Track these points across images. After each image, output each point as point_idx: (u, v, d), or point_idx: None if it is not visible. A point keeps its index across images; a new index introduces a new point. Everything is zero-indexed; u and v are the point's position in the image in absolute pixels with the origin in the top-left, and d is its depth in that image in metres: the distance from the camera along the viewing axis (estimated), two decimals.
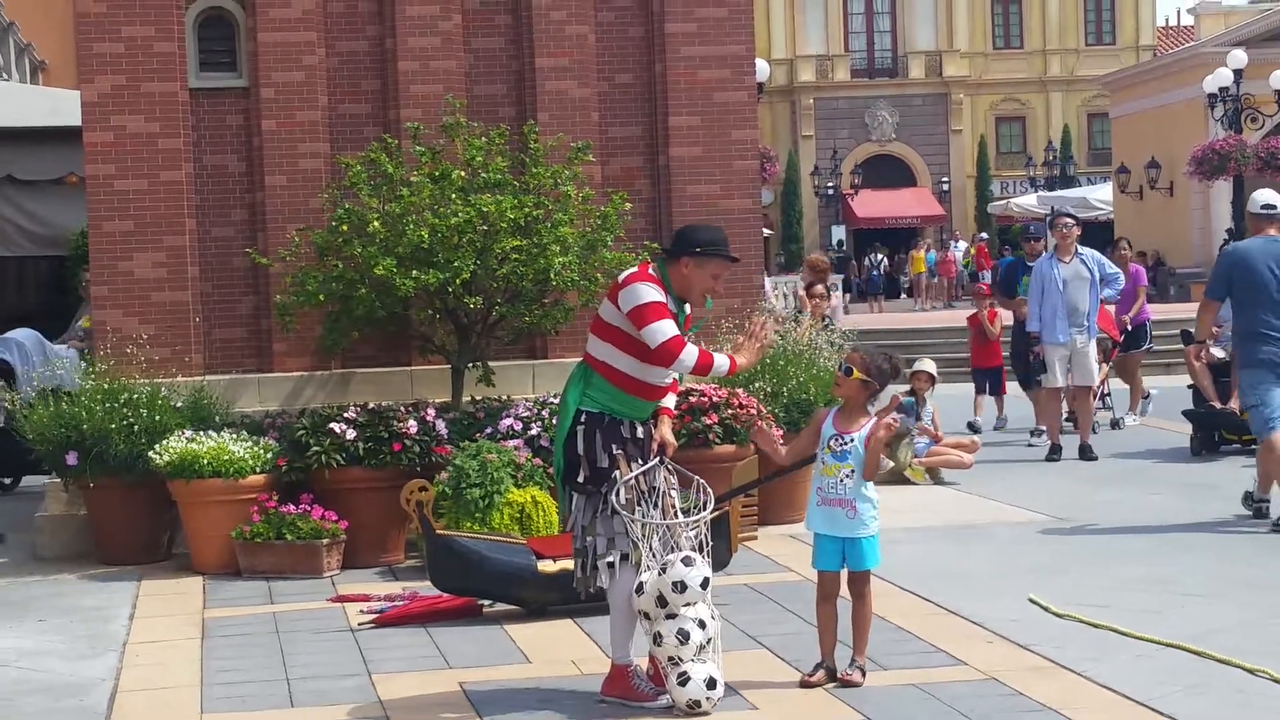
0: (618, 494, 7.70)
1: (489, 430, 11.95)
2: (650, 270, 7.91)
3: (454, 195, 12.09)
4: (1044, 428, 17.52)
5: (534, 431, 11.88)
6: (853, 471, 8.03)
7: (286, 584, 11.14)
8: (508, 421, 12.03)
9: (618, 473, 7.74)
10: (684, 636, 7.59)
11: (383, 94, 13.27)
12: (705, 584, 7.64)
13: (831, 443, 8.07)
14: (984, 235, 58.90)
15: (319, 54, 13.11)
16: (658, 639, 7.62)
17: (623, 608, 7.84)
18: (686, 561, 7.63)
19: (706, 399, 12.28)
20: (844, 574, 8.26)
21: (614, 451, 7.77)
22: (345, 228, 12.29)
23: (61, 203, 18.89)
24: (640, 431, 7.92)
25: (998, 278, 22.05)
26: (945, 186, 68.19)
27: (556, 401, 12.13)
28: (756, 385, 12.75)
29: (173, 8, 12.86)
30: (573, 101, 13.44)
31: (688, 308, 7.99)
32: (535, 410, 12.09)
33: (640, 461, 7.84)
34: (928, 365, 16.36)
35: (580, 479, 7.83)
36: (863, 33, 69.82)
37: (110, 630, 9.99)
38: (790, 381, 12.86)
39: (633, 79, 13.78)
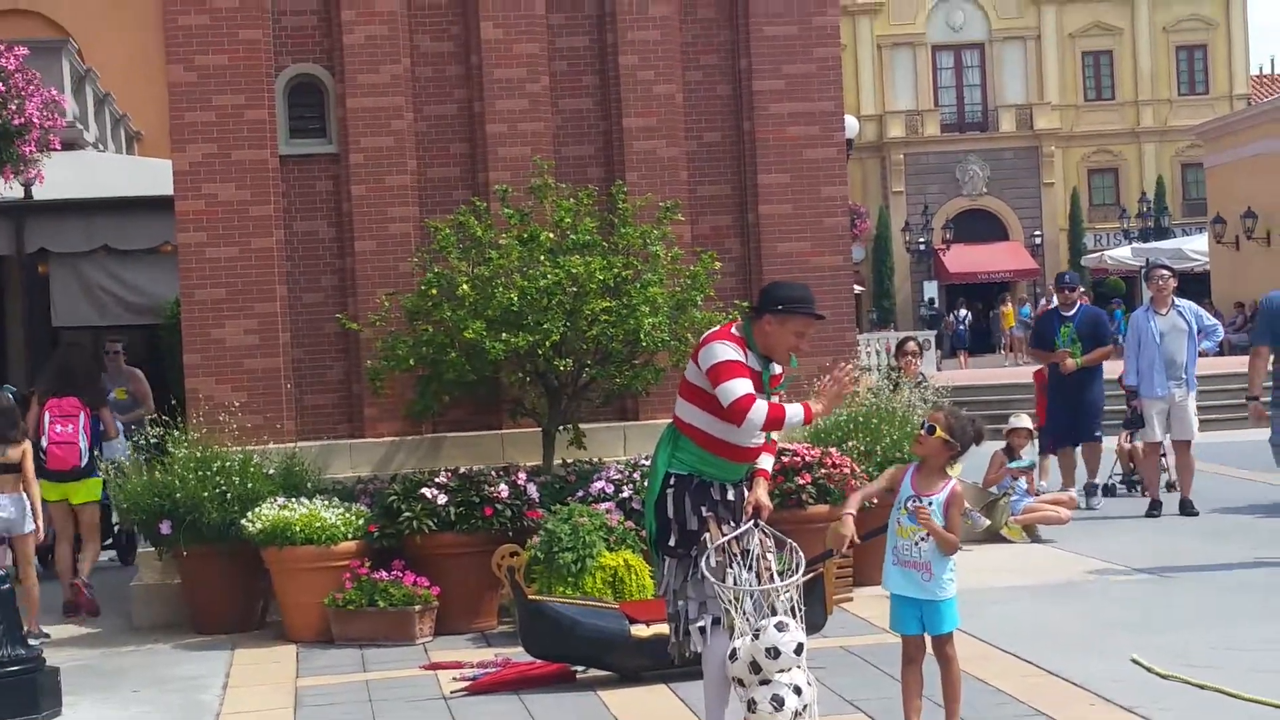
0: (707, 558, 7.59)
1: (580, 493, 11.87)
2: (734, 330, 7.81)
3: (543, 257, 12.06)
4: (1096, 482, 17.33)
5: (625, 494, 11.79)
6: (928, 534, 7.87)
7: (379, 651, 11.09)
8: (599, 484, 11.94)
9: (707, 536, 7.62)
10: (778, 703, 7.43)
11: (471, 157, 13.29)
12: (800, 649, 7.49)
13: (908, 504, 7.92)
14: (1080, 288, 58.30)
15: (407, 118, 13.15)
16: (752, 706, 7.48)
17: (716, 674, 7.71)
18: (780, 627, 7.48)
19: (799, 459, 12.16)
20: (927, 638, 8.08)
21: (704, 514, 7.66)
22: (434, 291, 12.28)
23: (157, 271, 19.03)
24: (731, 493, 7.81)
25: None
26: (1038, 240, 67.68)
27: (648, 464, 12.07)
28: (850, 444, 12.62)
29: (263, 76, 12.94)
30: (661, 161, 13.40)
31: (775, 367, 7.87)
32: (627, 472, 12.00)
33: (732, 524, 7.73)
34: (1025, 421, 16.14)
35: (671, 543, 7.73)
36: (952, 87, 69.58)
37: (204, 700, 9.97)
38: (884, 440, 12.71)
39: (721, 137, 13.73)
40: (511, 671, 10.01)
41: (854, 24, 67.50)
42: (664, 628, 8.20)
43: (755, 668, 7.44)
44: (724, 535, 7.66)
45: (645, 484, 9.02)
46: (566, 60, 13.49)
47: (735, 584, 7.58)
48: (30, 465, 12.46)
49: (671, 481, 7.74)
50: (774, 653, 7.41)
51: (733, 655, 7.50)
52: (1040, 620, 11.23)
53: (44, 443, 13.45)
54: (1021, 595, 12.30)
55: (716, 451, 7.73)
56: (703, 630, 7.67)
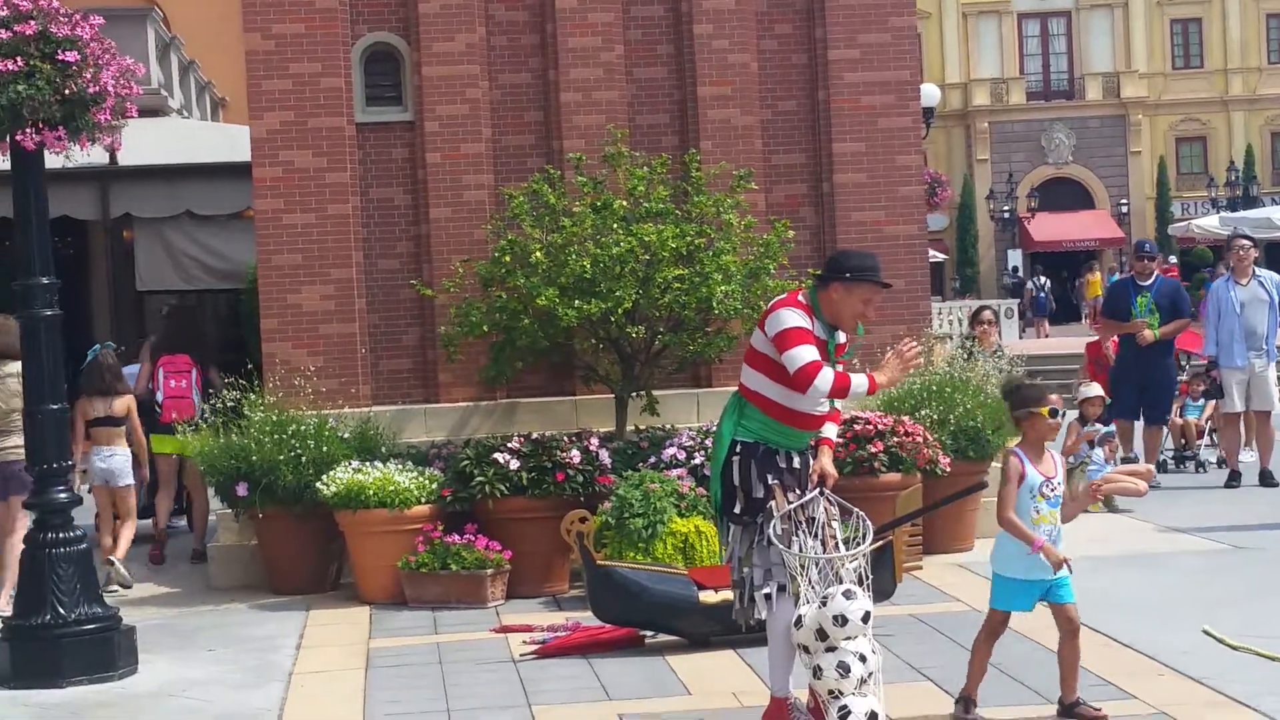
0: (773, 526, 7.62)
1: (652, 459, 11.92)
2: (800, 297, 7.83)
3: (616, 225, 12.10)
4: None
5: (697, 461, 11.82)
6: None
7: (451, 614, 11.19)
8: (671, 450, 11.99)
9: (773, 503, 7.65)
10: (844, 670, 7.45)
11: (545, 125, 13.34)
12: (866, 618, 7.50)
13: (1044, 489, 7.88)
14: (1173, 258, 57.64)
15: (482, 87, 13.21)
16: (817, 672, 7.50)
17: (781, 640, 7.74)
18: (847, 595, 7.50)
19: (872, 427, 12.16)
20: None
21: (770, 481, 7.69)
22: (508, 259, 12.35)
23: (239, 236, 19.19)
24: (797, 461, 7.83)
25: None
26: (1124, 209, 67.10)
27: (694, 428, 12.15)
28: (923, 413, 12.60)
29: (339, 44, 13.03)
30: (735, 129, 13.40)
31: (840, 336, 7.88)
32: (699, 439, 12.04)
33: (798, 491, 7.75)
34: (1096, 389, 16.03)
35: (736, 510, 7.76)
36: (1038, 55, 69.01)
37: (277, 660, 10.10)
38: (957, 409, 12.68)
39: (796, 106, 13.72)
40: (580, 635, 10.09)
41: None
42: (731, 594, 8.24)
43: (821, 635, 7.47)
44: (789, 503, 7.69)
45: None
46: (641, 29, 13.50)
47: (801, 551, 7.61)
48: (136, 418, 13.26)
49: (738, 449, 7.77)
50: (841, 620, 7.43)
51: (798, 622, 7.52)
52: (1113, 590, 11.19)
53: (159, 397, 14.13)
54: (1095, 565, 12.23)
55: (782, 419, 7.75)
56: (768, 597, 7.71)
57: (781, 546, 7.61)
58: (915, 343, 8.05)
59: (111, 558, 12.71)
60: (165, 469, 14.33)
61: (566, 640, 10.03)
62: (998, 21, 68.21)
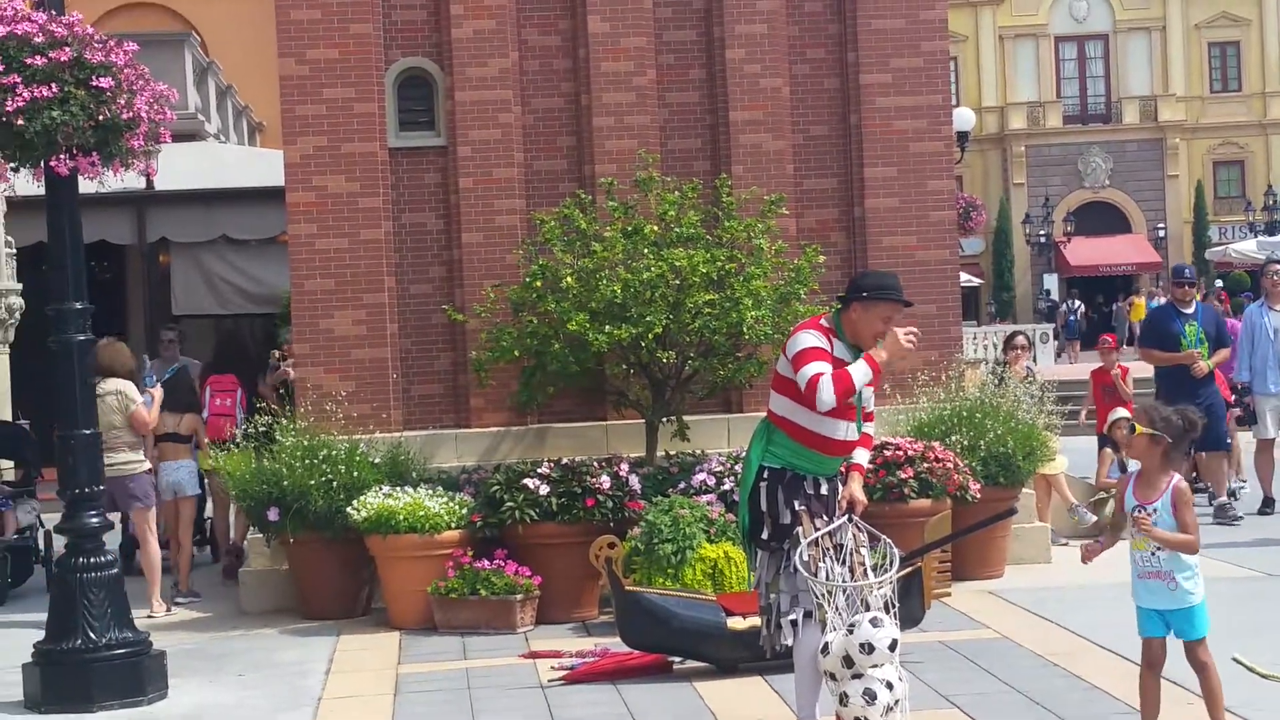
0: (800, 552, 7.61)
1: (682, 485, 11.92)
2: (823, 320, 7.85)
3: (647, 250, 12.12)
4: (1226, 498, 16.06)
5: (727, 486, 11.82)
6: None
7: (481, 639, 11.20)
8: (701, 476, 11.99)
9: (800, 529, 7.64)
10: (870, 697, 7.44)
11: (578, 150, 13.38)
12: (894, 645, 7.49)
13: (1135, 514, 7.69)
14: (1219, 281, 57.28)
15: (515, 112, 13.26)
16: (844, 699, 7.50)
17: (807, 666, 7.74)
18: (874, 623, 7.49)
19: (902, 453, 12.14)
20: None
21: (797, 508, 7.69)
22: (539, 284, 12.38)
23: (275, 261, 19.29)
24: (825, 488, 7.83)
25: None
26: (1161, 233, 66.88)
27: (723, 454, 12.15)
28: (954, 439, 12.57)
29: (373, 69, 13.08)
30: (767, 154, 13.42)
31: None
32: (728, 465, 12.04)
33: (825, 518, 7.74)
34: (1122, 411, 15.94)
35: (764, 536, 7.76)
36: (1075, 78, 68.90)
37: (306, 685, 10.11)
38: (988, 435, 12.65)
39: (827, 130, 13.73)
40: (609, 661, 10.08)
41: (976, 15, 67.06)
42: (759, 620, 8.24)
43: (848, 662, 7.46)
44: (817, 529, 7.68)
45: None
46: (674, 54, 13.54)
47: (828, 578, 7.60)
48: (204, 437, 13.91)
49: (765, 475, 7.78)
50: (868, 648, 7.42)
51: (825, 649, 7.52)
52: None
53: (205, 415, 14.54)
54: (1127, 592, 12.11)
55: (809, 444, 7.75)
56: (794, 623, 7.70)
57: (807, 574, 7.60)
58: (911, 328, 7.97)
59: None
60: (216, 485, 14.42)
61: (595, 666, 10.03)
62: (1035, 45, 68.14)
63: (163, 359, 15.82)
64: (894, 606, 7.73)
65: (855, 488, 7.95)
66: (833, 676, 7.55)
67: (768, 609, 7.87)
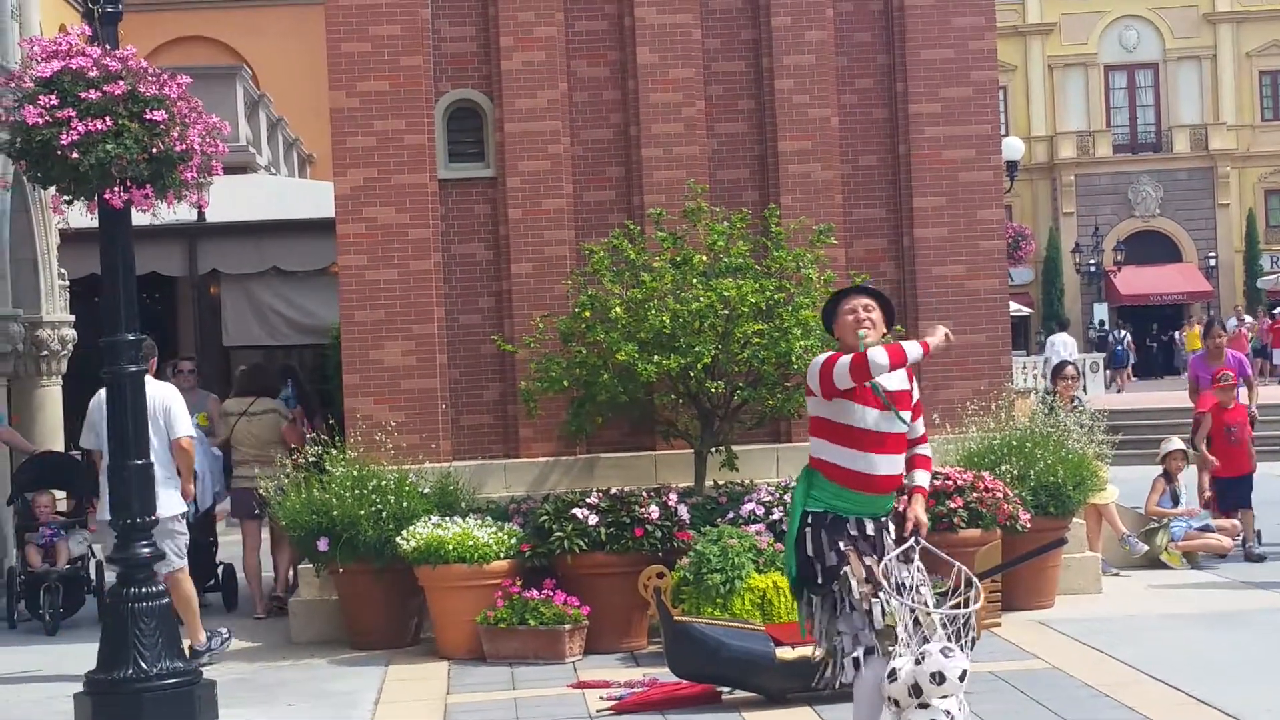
0: (854, 589, 7.55)
1: (730, 515, 11.92)
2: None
3: (695, 280, 12.13)
4: None
5: (775, 516, 11.80)
6: None
7: (529, 669, 11.20)
8: (749, 506, 11.99)
9: (848, 568, 7.59)
10: None
11: (626, 180, 13.42)
12: (963, 676, 7.45)
13: None
14: (1277, 310, 56.73)
15: (564, 143, 13.30)
16: None
17: (866, 701, 7.68)
18: (946, 652, 7.44)
19: (951, 482, 12.11)
20: None
21: (843, 548, 7.62)
22: (588, 314, 12.40)
23: (325, 292, 19.38)
24: (871, 528, 7.73)
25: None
26: (1212, 262, 66.56)
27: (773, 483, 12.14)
28: (1003, 469, 12.53)
29: (423, 101, 13.15)
30: (816, 184, 13.43)
31: (885, 384, 7.68)
32: (777, 494, 12.03)
33: (874, 556, 7.68)
34: (1177, 443, 15.89)
35: (818, 580, 7.71)
36: (1125, 107, 68.65)
37: (356, 715, 10.14)
38: (1038, 464, 12.61)
39: (877, 160, 13.73)
40: (658, 692, 10.07)
41: (1025, 44, 66.93)
42: (808, 650, 8.20)
43: (916, 690, 7.41)
44: (865, 565, 7.62)
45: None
46: (722, 84, 13.56)
47: (884, 613, 7.52)
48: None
49: (809, 520, 7.73)
50: (939, 678, 7.36)
51: (892, 675, 7.47)
52: (1196, 648, 11.08)
53: None
54: (1178, 623, 12.15)
55: (850, 484, 7.66)
56: (856, 662, 7.65)
57: (863, 607, 7.54)
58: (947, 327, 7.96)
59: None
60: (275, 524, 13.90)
61: (644, 696, 10.02)
62: (1084, 74, 67.96)
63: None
64: (967, 635, 7.69)
65: (918, 509, 7.87)
66: (896, 703, 7.51)
67: (834, 651, 7.78)
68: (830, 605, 7.70)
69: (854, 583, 7.56)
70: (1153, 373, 52.79)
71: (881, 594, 7.56)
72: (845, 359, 7.53)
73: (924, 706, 7.40)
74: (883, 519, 7.80)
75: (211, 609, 14.13)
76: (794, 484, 10.63)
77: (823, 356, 7.75)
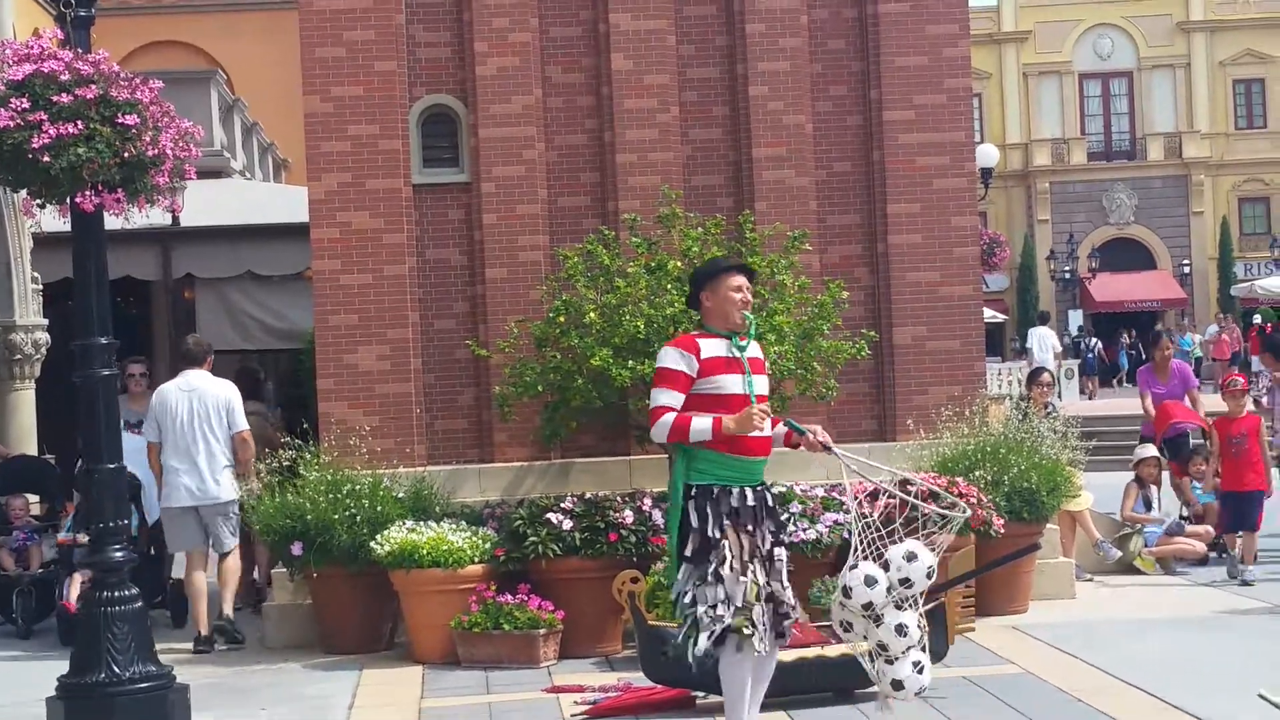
0: (725, 562, 7.71)
1: None
2: (693, 331, 7.98)
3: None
4: None
5: (783, 517, 11.77)
6: None
7: (504, 674, 11.20)
8: None
9: (726, 543, 7.73)
10: (902, 631, 7.69)
11: (601, 186, 13.42)
12: (931, 573, 7.80)
13: None
14: (1257, 318, 56.77)
15: (538, 148, 13.31)
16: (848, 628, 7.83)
17: (735, 689, 7.87)
18: (909, 557, 7.76)
19: (925, 488, 12.10)
20: None
21: (725, 523, 7.77)
22: (563, 319, 12.40)
23: (299, 297, 19.34)
24: (751, 498, 7.89)
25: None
26: (1186, 269, 66.81)
27: (777, 490, 12.13)
28: (977, 474, 12.55)
29: (398, 106, 13.15)
30: (790, 190, 13.45)
31: (752, 349, 7.97)
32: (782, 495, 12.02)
33: (750, 529, 7.80)
34: (1151, 450, 15.94)
35: (688, 552, 7.81)
36: (1099, 115, 68.92)
37: None
38: (1011, 470, 12.62)
39: (851, 167, 13.75)
40: (632, 696, 10.07)
41: (1000, 52, 67.18)
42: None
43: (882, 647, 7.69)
44: (741, 540, 7.76)
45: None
46: (696, 91, 13.58)
47: (754, 582, 7.71)
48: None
49: (693, 492, 7.86)
50: (907, 582, 7.76)
51: (871, 582, 7.68)
52: (1169, 654, 11.12)
53: None
54: (1152, 627, 12.19)
55: (731, 450, 7.82)
56: (712, 635, 7.71)
57: (730, 580, 7.69)
58: (761, 407, 7.92)
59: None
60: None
61: (618, 701, 10.02)
62: (1059, 82, 68.21)
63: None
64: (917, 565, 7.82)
65: (817, 429, 8.05)
66: (849, 627, 7.78)
67: (694, 625, 7.83)
68: (701, 578, 7.77)
69: (729, 557, 7.70)
70: (1091, 376, 52.42)
71: (749, 573, 7.71)
72: (667, 420, 7.77)
73: (877, 621, 7.68)
74: (759, 488, 7.95)
75: (156, 624, 13.89)
76: (774, 488, 10.71)
77: (669, 355, 7.93)
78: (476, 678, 11.15)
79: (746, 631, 7.67)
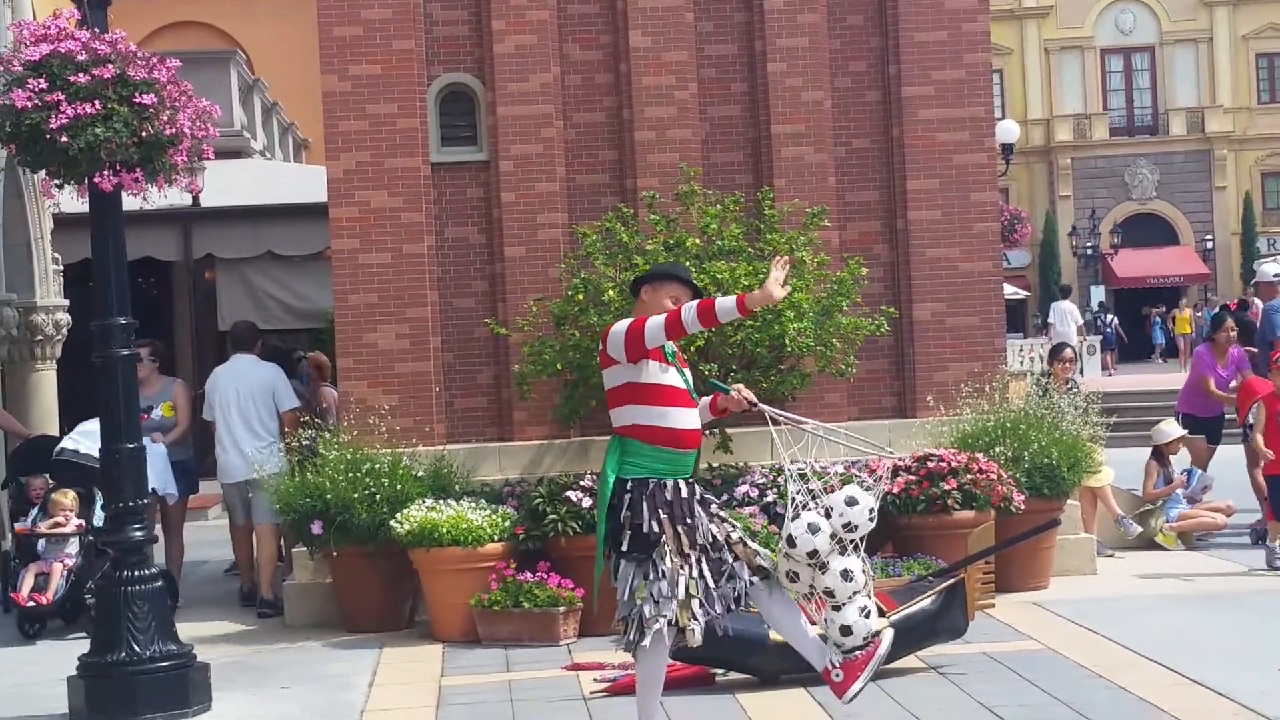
0: (665, 557, 7.70)
1: (724, 497, 11.91)
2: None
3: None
4: None
5: (770, 498, 11.82)
6: None
7: (523, 652, 11.21)
8: (743, 488, 12.00)
9: (665, 538, 7.73)
10: (847, 576, 7.75)
11: (619, 164, 13.39)
12: (873, 516, 7.78)
13: None
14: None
15: (557, 126, 13.28)
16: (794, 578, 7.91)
17: (651, 677, 7.95)
18: (850, 501, 7.78)
19: (945, 464, 12.10)
20: None
21: (662, 516, 7.75)
22: (581, 297, 12.39)
23: (319, 276, 19.39)
24: (685, 490, 7.88)
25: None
26: (1209, 244, 66.57)
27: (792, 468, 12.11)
28: (997, 450, 12.52)
29: (415, 85, 13.13)
30: (809, 167, 13.41)
31: (671, 347, 7.96)
32: (771, 477, 12.03)
33: (689, 522, 7.79)
34: (1178, 429, 15.85)
35: (624, 547, 7.80)
36: (1121, 90, 68.62)
37: (349, 699, 10.13)
38: (1032, 446, 12.59)
39: (870, 143, 13.71)
40: None
41: (1021, 28, 66.90)
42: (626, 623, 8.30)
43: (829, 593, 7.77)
44: (680, 534, 7.75)
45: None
46: (715, 67, 13.54)
47: (693, 578, 7.74)
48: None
49: (628, 486, 7.81)
50: (851, 527, 7.78)
51: (814, 529, 7.76)
52: (1190, 629, 11.10)
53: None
54: (1173, 603, 12.16)
55: (665, 443, 7.81)
56: (659, 632, 7.73)
57: (674, 579, 7.69)
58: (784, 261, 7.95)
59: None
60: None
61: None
62: (1080, 57, 67.92)
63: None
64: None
65: (741, 388, 8.06)
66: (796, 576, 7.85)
67: (633, 617, 7.84)
68: (643, 573, 7.78)
69: (669, 552, 7.69)
70: (1110, 350, 52.24)
71: (688, 567, 7.71)
72: (659, 317, 7.71)
73: (822, 569, 7.75)
74: (690, 480, 7.93)
75: None
76: (790, 464, 10.68)
77: (625, 322, 7.88)
78: (496, 656, 11.16)
79: (689, 625, 7.68)
